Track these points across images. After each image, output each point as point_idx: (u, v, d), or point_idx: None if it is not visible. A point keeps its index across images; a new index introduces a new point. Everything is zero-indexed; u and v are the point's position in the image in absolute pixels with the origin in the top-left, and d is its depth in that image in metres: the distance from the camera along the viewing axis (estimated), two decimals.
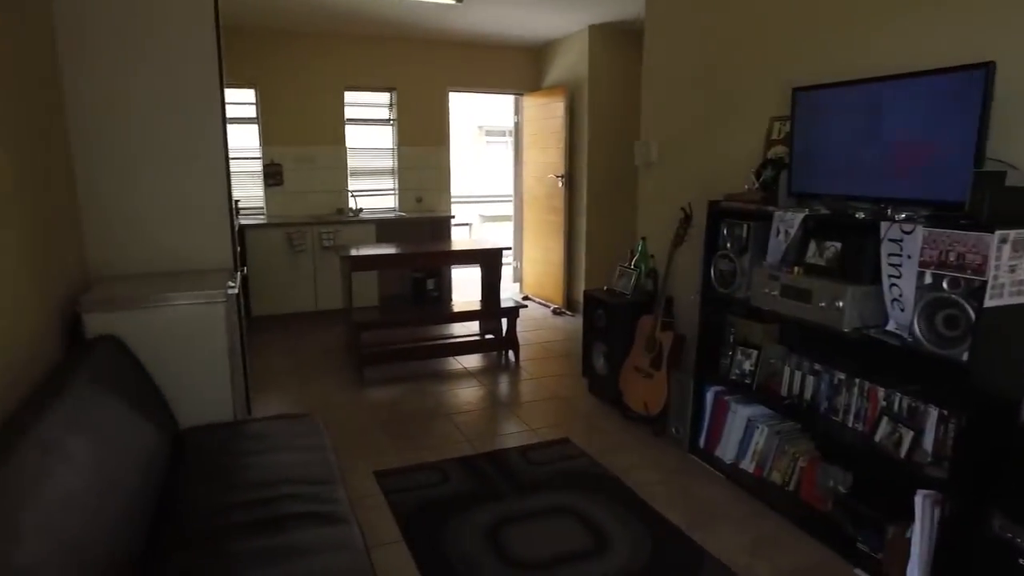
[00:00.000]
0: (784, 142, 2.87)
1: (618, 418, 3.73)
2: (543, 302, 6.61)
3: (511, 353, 4.83)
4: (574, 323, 5.88)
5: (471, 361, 4.80)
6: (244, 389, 3.44)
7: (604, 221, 6.02)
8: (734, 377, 3.00)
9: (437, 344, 4.93)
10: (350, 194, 6.22)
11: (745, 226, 2.84)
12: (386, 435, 3.52)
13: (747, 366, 2.95)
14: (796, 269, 2.50)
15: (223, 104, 3.14)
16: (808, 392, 2.63)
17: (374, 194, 6.49)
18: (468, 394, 4.16)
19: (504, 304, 4.84)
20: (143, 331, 2.65)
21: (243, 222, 5.48)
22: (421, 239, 6.46)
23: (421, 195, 6.54)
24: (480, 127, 22.96)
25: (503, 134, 23.61)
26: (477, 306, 4.92)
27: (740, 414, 3.02)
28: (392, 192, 6.53)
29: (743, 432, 3.00)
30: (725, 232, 2.97)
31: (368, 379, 4.40)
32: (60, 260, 2.67)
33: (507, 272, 7.65)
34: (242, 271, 3.59)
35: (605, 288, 4.01)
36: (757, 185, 2.85)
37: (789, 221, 2.52)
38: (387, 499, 2.85)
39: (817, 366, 2.60)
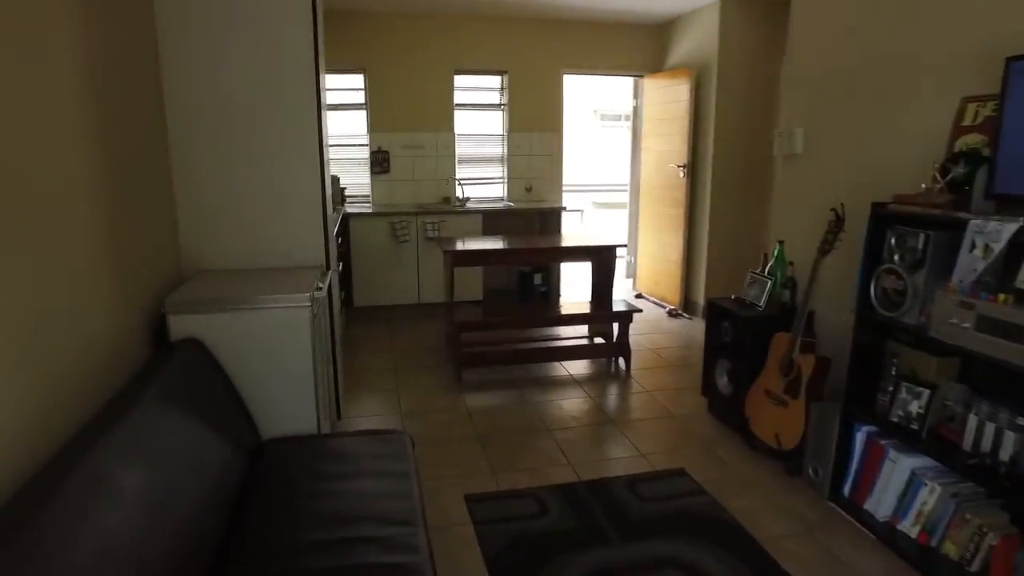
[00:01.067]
0: (982, 129, 2.27)
1: (742, 447, 3.25)
2: (658, 302, 6.12)
3: (622, 361, 4.42)
4: (691, 328, 5.36)
5: (577, 367, 4.44)
6: (334, 395, 3.28)
7: (730, 219, 5.43)
8: (896, 419, 2.45)
9: (541, 347, 4.61)
10: (457, 182, 6.00)
11: (922, 236, 2.29)
12: (482, 451, 3.24)
13: (915, 407, 2.40)
14: (1001, 296, 1.93)
15: (319, 93, 2.94)
16: (1005, 451, 2.06)
17: (482, 182, 6.24)
18: (573, 406, 3.81)
19: (617, 307, 4.43)
20: (226, 335, 2.50)
21: (348, 210, 5.40)
22: (529, 231, 6.15)
23: (531, 184, 6.22)
24: (595, 111, 22.32)
25: (619, 118, 22.87)
26: (586, 308, 4.55)
27: (901, 464, 2.47)
28: (501, 180, 6.25)
29: (904, 486, 2.45)
30: (893, 242, 2.41)
31: (467, 382, 4.15)
32: (152, 258, 2.57)
33: (620, 266, 7.20)
34: (339, 268, 3.42)
35: (732, 297, 3.51)
36: (942, 184, 2.27)
37: (992, 233, 1.95)
38: (476, 530, 2.57)
39: (1021, 420, 2.02)
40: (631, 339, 4.67)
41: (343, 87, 5.89)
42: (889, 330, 2.50)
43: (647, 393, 3.99)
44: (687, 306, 5.81)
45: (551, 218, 5.86)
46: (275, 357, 2.57)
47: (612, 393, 4.03)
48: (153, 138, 2.68)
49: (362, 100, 5.84)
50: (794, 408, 2.92)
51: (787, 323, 3.01)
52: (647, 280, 6.36)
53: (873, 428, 2.59)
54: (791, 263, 3.25)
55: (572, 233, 5.31)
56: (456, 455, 3.21)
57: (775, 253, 3.34)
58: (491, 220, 5.78)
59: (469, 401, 3.88)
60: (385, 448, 2.48)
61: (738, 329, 3.31)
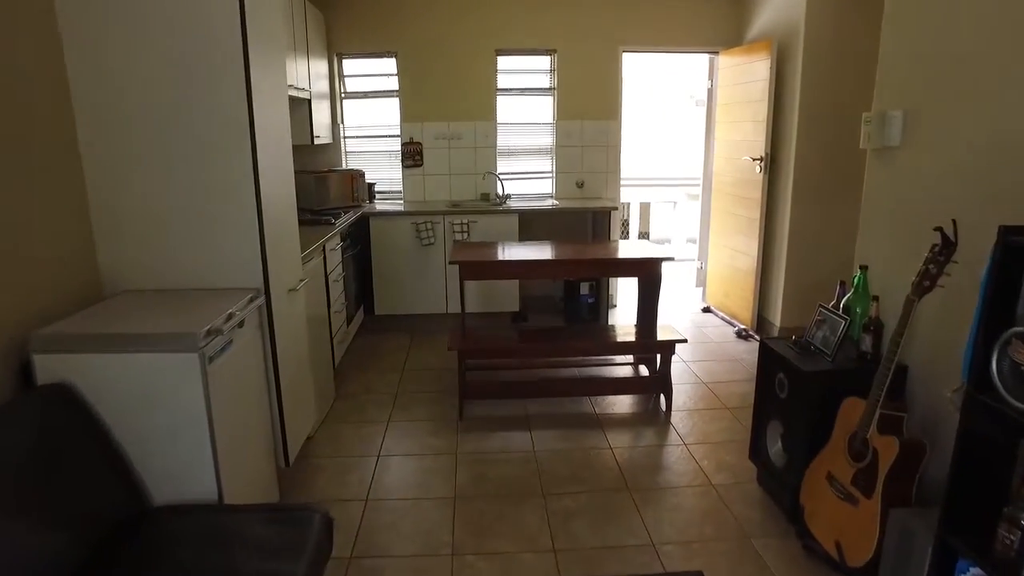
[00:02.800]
0: None
1: (793, 546, 2.41)
2: (727, 319, 5.21)
3: (663, 398, 3.63)
4: None
5: (608, 404, 3.68)
6: (281, 439, 2.70)
7: (815, 225, 4.46)
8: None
9: (564, 378, 3.89)
10: (497, 178, 5.33)
11: None
12: (451, 520, 2.59)
13: None
14: None
15: (249, 85, 2.35)
16: None
17: (527, 177, 5.53)
18: (585, 460, 3.08)
19: (663, 332, 3.63)
20: (104, 380, 1.98)
21: (372, 208, 4.86)
22: (577, 234, 5.40)
23: (583, 179, 5.45)
24: (692, 96, 20.96)
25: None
26: (632, 331, 3.77)
27: None
28: (549, 175, 5.53)
29: None
30: None
31: (468, 417, 3.50)
32: (49, 276, 2.09)
33: (689, 274, 6.31)
34: (298, 286, 2.86)
35: (793, 339, 2.65)
36: None
37: None
38: None
39: None
40: (683, 366, 3.89)
41: (372, 72, 5.35)
42: (1021, 426, 1.62)
43: (683, 447, 3.19)
44: (760, 326, 4.88)
45: (603, 220, 5.07)
46: (161, 409, 2.02)
47: (640, 444, 3.25)
48: (50, 136, 2.19)
49: (393, 87, 5.28)
50: (865, 509, 2.07)
51: (864, 384, 2.15)
52: (716, 292, 5.45)
53: (983, 572, 1.71)
54: (876, 298, 2.36)
55: (626, 242, 4.49)
56: (416, 524, 2.57)
57: (855, 282, 2.47)
58: (530, 222, 5.08)
59: (463, 444, 3.23)
60: (280, 537, 1.89)
61: (797, 384, 2.46)
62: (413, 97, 5.23)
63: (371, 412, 3.63)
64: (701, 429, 3.37)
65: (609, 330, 3.85)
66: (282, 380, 2.66)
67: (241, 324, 2.27)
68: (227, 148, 2.38)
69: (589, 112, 5.35)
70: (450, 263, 3.62)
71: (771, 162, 4.61)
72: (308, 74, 4.48)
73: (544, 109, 5.44)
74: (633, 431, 3.38)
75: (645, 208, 14.65)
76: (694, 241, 13.37)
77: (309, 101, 4.53)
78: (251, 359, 2.43)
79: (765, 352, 2.70)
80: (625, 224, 17.30)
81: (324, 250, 3.66)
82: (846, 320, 2.38)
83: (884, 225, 2.50)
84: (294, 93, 4.13)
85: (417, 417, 3.56)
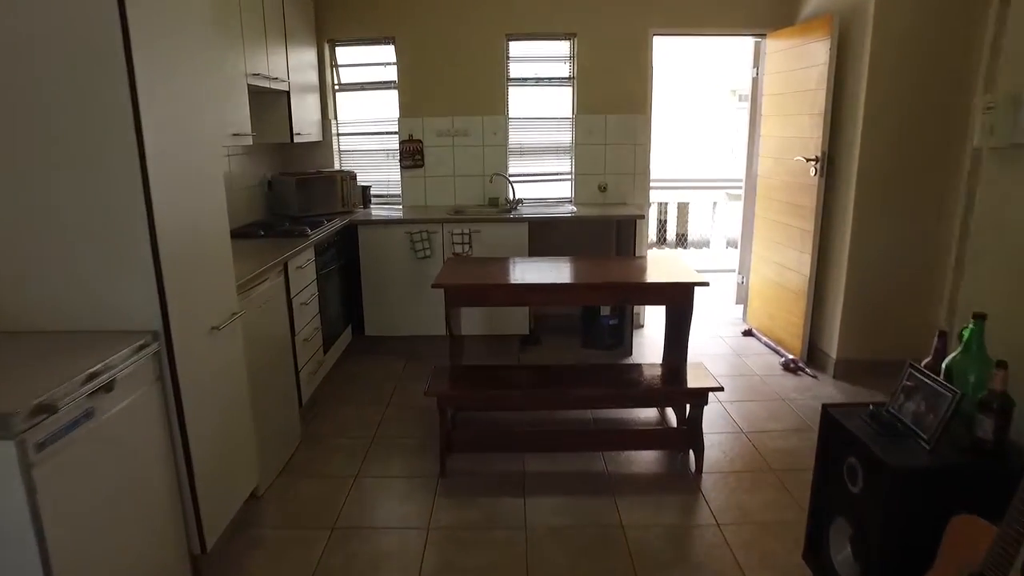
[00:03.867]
0: None
1: None
2: (772, 345, 4.47)
3: (692, 455, 2.94)
4: (814, 395, 3.71)
5: (623, 461, 3.01)
6: (194, 519, 2.11)
7: (884, 239, 3.72)
8: None
9: (572, 429, 3.23)
10: (507, 180, 4.68)
11: None
12: None
13: None
14: None
15: (133, 80, 1.76)
16: None
17: (541, 180, 4.87)
18: (588, 545, 2.41)
19: (696, 379, 2.94)
20: None
21: (356, 217, 4.26)
22: (598, 246, 4.73)
23: (606, 181, 4.77)
24: (733, 90, 19.83)
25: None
26: (656, 373, 3.09)
27: None
28: (567, 177, 4.86)
29: None
30: None
31: (453, 472, 2.88)
32: None
33: (727, 287, 5.57)
34: (224, 325, 2.27)
35: (872, 410, 1.94)
36: None
37: None
38: None
39: None
40: (719, 407, 3.22)
41: (368, 61, 4.76)
42: None
43: (716, 528, 2.50)
44: (811, 357, 4.13)
45: (627, 229, 4.37)
46: None
47: (661, 521, 2.57)
48: None
49: (391, 77, 4.68)
50: None
51: (985, 492, 1.45)
52: (760, 312, 4.71)
53: None
54: (1002, 364, 1.64)
55: (653, 259, 3.79)
56: None
57: (964, 337, 1.76)
58: (543, 232, 4.43)
59: (440, 513, 2.61)
60: None
61: (877, 478, 1.76)
62: (413, 88, 4.62)
63: (338, 463, 3.03)
64: (739, 501, 2.68)
65: (629, 372, 3.16)
66: (194, 447, 2.07)
67: (110, 387, 1.68)
68: (98, 153, 1.79)
69: (614, 105, 4.66)
70: (433, 286, 2.99)
71: (829, 164, 3.87)
72: (286, 63, 3.91)
73: (562, 102, 4.77)
74: (653, 502, 2.70)
75: (683, 208, 13.79)
76: (736, 245, 12.52)
77: (288, 94, 3.96)
78: (136, 428, 1.84)
79: (830, 424, 2.00)
80: (662, 226, 16.47)
81: (286, 269, 3.08)
82: (954, 394, 1.67)
83: (1009, 255, 1.79)
84: (263, 84, 3.56)
85: (391, 472, 2.94)
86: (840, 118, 3.78)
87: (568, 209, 4.52)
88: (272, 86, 3.69)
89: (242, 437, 2.46)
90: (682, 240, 14.19)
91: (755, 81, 4.87)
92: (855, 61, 3.63)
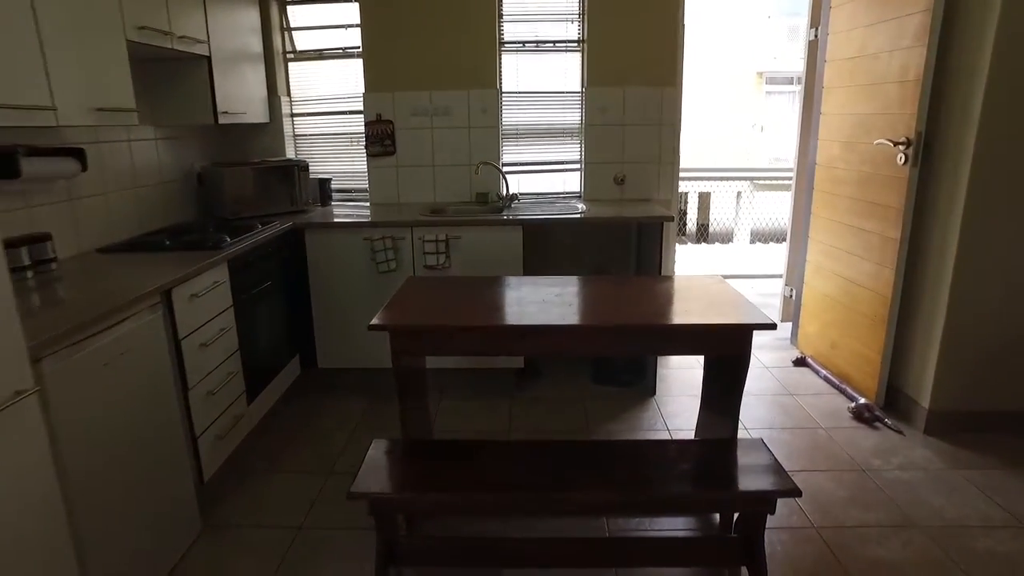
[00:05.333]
0: None
1: None
2: (834, 381, 3.49)
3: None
4: (906, 459, 2.75)
5: None
6: None
7: (1007, 254, 2.74)
8: None
9: (570, 541, 2.29)
10: (499, 171, 3.74)
11: None
12: None
13: None
14: None
15: None
16: None
17: (542, 170, 3.92)
18: None
19: (751, 471, 1.99)
20: None
21: (303, 220, 3.34)
22: (613, 257, 3.78)
23: (624, 172, 3.80)
24: (760, 73, 18.54)
25: (790, 81, 18.87)
26: (691, 454, 2.14)
27: None
28: (576, 167, 3.90)
29: None
30: None
31: None
32: None
33: (769, 299, 4.60)
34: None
35: None
36: None
37: None
38: None
39: None
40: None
41: (325, 24, 3.83)
42: None
43: None
44: (891, 402, 3.17)
45: (652, 235, 3.40)
46: None
47: None
48: None
49: (355, 43, 3.75)
50: None
51: None
52: (817, 336, 3.73)
53: None
54: None
55: (686, 281, 2.80)
56: None
57: None
58: (543, 238, 3.49)
59: None
60: None
61: None
62: (381, 56, 3.68)
63: (244, 569, 2.13)
64: None
65: (656, 456, 2.18)
66: None
67: None
68: None
69: (634, 75, 3.68)
70: (370, 328, 2.06)
71: (925, 149, 2.87)
72: (204, 20, 2.98)
73: (570, 72, 3.80)
74: None
75: (704, 199, 12.85)
76: (765, 241, 11.47)
77: (209, 60, 3.04)
78: None
79: None
80: (682, 216, 15.36)
81: (170, 299, 2.17)
82: None
83: None
84: (162, 44, 2.64)
85: None
86: (945, 88, 2.78)
87: (575, 208, 3.56)
88: (180, 48, 2.77)
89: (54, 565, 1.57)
90: (703, 232, 13.16)
91: (812, 44, 3.87)
92: (976, 8, 2.62)
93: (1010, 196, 2.68)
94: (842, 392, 3.39)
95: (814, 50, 3.84)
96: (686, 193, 15.49)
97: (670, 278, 2.69)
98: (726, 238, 11.98)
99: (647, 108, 3.71)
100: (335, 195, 3.89)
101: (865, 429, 3.05)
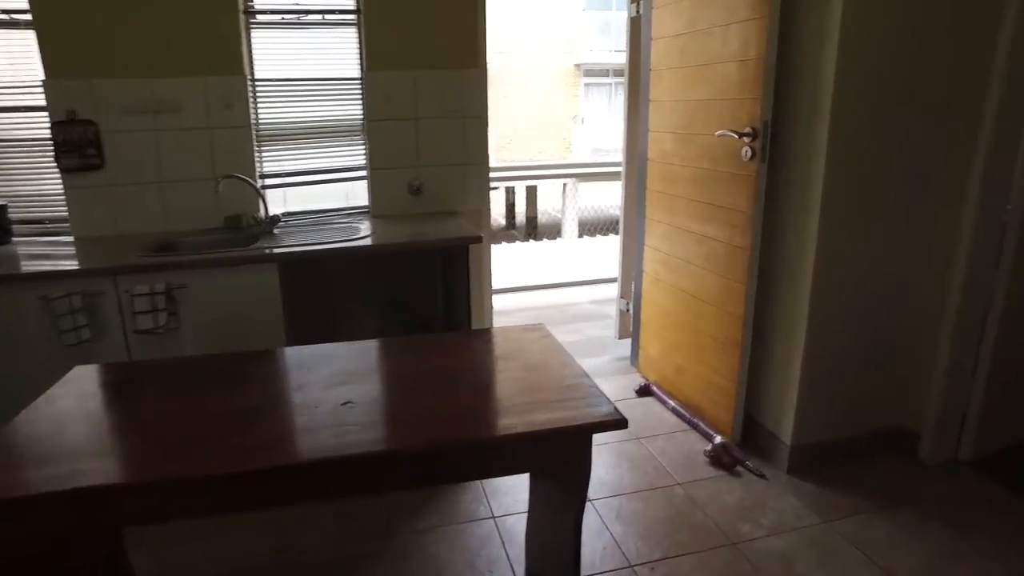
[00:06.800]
0: None
1: None
2: (684, 413, 2.98)
3: None
4: (779, 518, 2.26)
5: None
6: None
7: (862, 255, 2.34)
8: None
9: None
10: (253, 186, 2.80)
11: None
12: None
13: None
14: None
15: None
16: None
17: (320, 180, 3.04)
18: None
19: None
20: None
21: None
22: (411, 293, 3.00)
23: (420, 179, 3.02)
24: (578, 65, 18.60)
25: (607, 74, 19.16)
26: None
27: None
28: (360, 173, 3.06)
29: None
30: None
31: None
32: None
33: (610, 311, 4.10)
34: None
35: None
36: None
37: None
38: None
39: None
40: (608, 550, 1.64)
41: None
42: None
43: None
44: (751, 437, 2.70)
45: (455, 260, 2.64)
46: None
47: None
48: None
49: (20, 4, 2.62)
50: None
51: None
52: (660, 362, 3.22)
53: None
54: None
55: (510, 338, 2.06)
56: None
57: None
58: (311, 276, 2.62)
59: None
60: None
61: None
62: (66, 26, 2.59)
63: None
64: None
65: None
66: None
67: None
68: None
69: (427, 56, 2.91)
70: None
71: (772, 142, 2.39)
72: None
73: (344, 52, 2.95)
74: None
75: (532, 192, 12.60)
76: (593, 233, 11.31)
77: None
78: None
79: None
80: (511, 209, 14.95)
81: None
82: None
83: None
84: None
85: None
86: (794, 67, 2.30)
87: (357, 230, 2.72)
88: None
89: None
90: (532, 226, 12.81)
91: (635, 22, 3.33)
92: None
93: (872, 193, 2.26)
94: (695, 428, 2.88)
95: (636, 28, 3.31)
96: (513, 188, 15.03)
97: (482, 332, 1.96)
98: (555, 231, 11.71)
99: (446, 97, 2.96)
100: (18, 227, 2.74)
101: (726, 478, 2.55)
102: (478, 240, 2.49)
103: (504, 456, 1.41)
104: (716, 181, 2.61)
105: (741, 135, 2.39)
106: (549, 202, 13.60)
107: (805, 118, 2.26)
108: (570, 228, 11.80)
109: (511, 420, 1.36)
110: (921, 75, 2.21)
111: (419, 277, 3.01)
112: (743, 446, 2.69)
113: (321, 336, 2.02)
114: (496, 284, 5.42)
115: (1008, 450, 2.66)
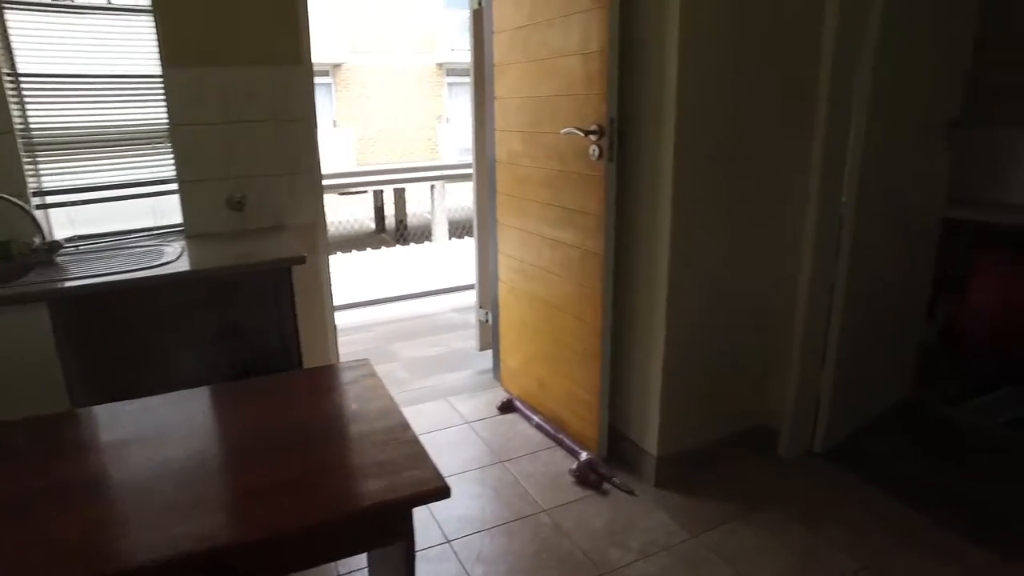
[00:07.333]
0: None
1: None
2: (548, 429, 2.82)
3: None
4: (650, 539, 2.14)
5: None
6: None
7: (724, 261, 2.28)
8: None
9: None
10: (23, 206, 2.31)
11: None
12: None
13: None
14: None
15: None
16: None
17: (120, 196, 2.58)
18: None
19: None
20: None
21: None
22: (237, 318, 2.60)
23: (242, 191, 2.64)
24: (440, 64, 18.31)
25: (468, 73, 18.99)
26: None
27: None
28: (172, 187, 2.62)
29: None
30: None
31: None
32: None
33: (468, 337, 3.90)
34: None
35: None
36: None
37: None
38: None
39: None
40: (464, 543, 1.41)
41: None
42: None
43: None
44: (616, 448, 2.59)
45: (280, 286, 2.30)
46: None
47: None
48: None
49: None
50: None
51: None
52: (522, 375, 3.05)
53: None
54: None
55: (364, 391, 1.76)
56: None
57: None
58: (105, 313, 2.18)
59: None
60: None
61: None
62: None
63: None
64: None
65: None
66: None
67: None
68: None
69: (238, 51, 2.54)
70: None
71: (620, 140, 2.26)
72: None
73: (139, 45, 2.51)
74: None
75: (400, 195, 12.34)
76: (461, 235, 11.12)
77: None
78: None
79: None
80: (380, 213, 14.44)
81: None
82: None
83: None
84: None
85: None
86: (640, 60, 2.18)
87: (161, 253, 2.31)
88: None
89: None
90: (402, 229, 12.42)
91: (477, 15, 3.13)
92: None
93: (727, 189, 2.19)
94: (560, 444, 2.73)
95: (479, 22, 3.11)
96: (381, 191, 14.56)
97: (292, 380, 1.67)
98: (426, 234, 11.40)
99: (266, 98, 2.60)
100: None
101: (594, 497, 2.41)
102: (301, 261, 2.17)
103: (299, 551, 1.13)
104: (566, 182, 2.45)
105: (587, 133, 2.24)
106: (418, 204, 13.25)
107: (652, 115, 2.15)
108: (440, 230, 11.48)
109: (309, 504, 1.09)
110: (763, 69, 2.16)
111: (253, 301, 2.62)
112: (610, 461, 2.57)
113: (129, 386, 1.64)
114: (360, 296, 5.06)
115: (854, 435, 2.72)
